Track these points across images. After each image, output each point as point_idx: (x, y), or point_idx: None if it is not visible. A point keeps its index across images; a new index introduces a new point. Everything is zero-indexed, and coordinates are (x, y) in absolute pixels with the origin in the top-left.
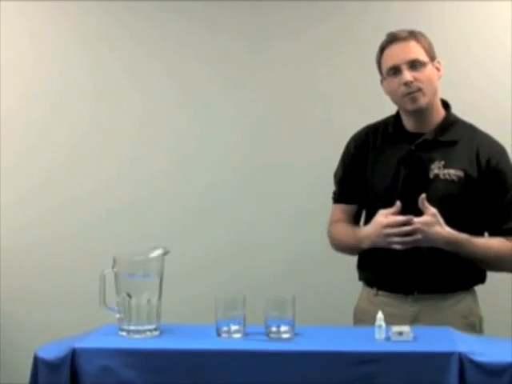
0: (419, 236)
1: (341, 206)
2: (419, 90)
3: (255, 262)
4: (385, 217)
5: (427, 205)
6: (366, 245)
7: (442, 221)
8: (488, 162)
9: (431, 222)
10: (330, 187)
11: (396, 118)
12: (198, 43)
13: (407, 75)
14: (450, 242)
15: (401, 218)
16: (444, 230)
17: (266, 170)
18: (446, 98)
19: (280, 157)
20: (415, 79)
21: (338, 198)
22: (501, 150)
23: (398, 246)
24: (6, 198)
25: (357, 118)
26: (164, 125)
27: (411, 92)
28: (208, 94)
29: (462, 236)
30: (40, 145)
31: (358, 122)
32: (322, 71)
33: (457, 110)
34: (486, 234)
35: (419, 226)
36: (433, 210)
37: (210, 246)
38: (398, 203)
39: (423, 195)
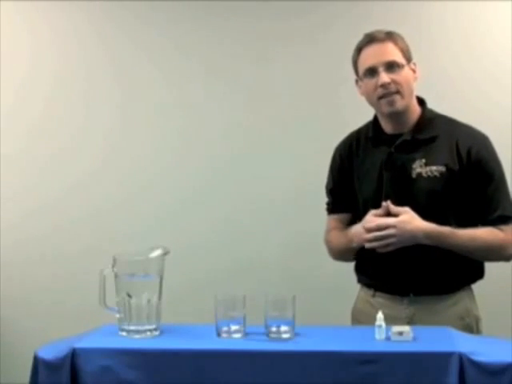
0: (393, 239)
1: (335, 216)
2: (397, 92)
3: (254, 261)
4: (372, 217)
5: (395, 208)
6: (355, 243)
7: (416, 215)
8: (469, 152)
9: (406, 219)
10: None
11: (374, 121)
12: (199, 47)
13: (384, 77)
14: (430, 235)
15: (372, 225)
16: (421, 223)
17: (262, 165)
18: (446, 98)
19: (278, 153)
20: (392, 81)
21: (332, 208)
22: (481, 140)
23: (379, 250)
24: (5, 192)
25: (356, 116)
26: (162, 119)
27: (388, 94)
28: (206, 90)
29: (444, 229)
30: (38, 141)
31: (358, 119)
32: (320, 72)
33: (457, 110)
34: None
35: (392, 231)
36: (404, 208)
37: (206, 245)
38: (384, 204)
39: (388, 202)
